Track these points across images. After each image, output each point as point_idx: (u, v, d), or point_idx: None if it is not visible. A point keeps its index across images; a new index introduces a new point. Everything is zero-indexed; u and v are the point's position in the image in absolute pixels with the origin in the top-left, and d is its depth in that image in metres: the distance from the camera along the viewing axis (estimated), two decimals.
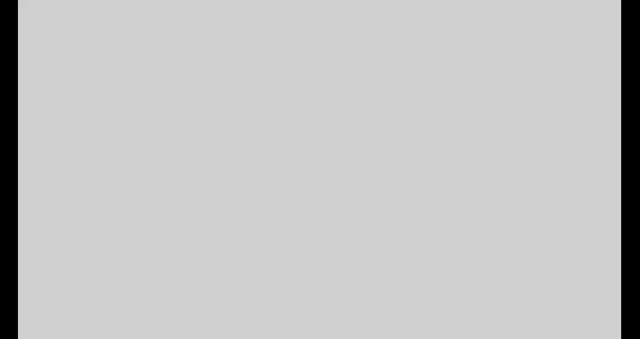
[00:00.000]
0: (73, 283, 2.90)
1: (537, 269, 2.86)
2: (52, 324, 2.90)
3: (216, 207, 2.90)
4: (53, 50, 2.92)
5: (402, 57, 2.91)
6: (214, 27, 2.93)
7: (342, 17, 2.92)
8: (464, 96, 2.89)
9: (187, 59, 2.92)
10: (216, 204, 2.90)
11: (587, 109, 2.87)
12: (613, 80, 2.87)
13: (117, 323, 2.90)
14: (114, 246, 2.90)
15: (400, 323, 2.88)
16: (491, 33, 2.89)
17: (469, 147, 2.88)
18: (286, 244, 2.90)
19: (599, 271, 2.85)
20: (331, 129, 2.91)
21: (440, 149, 2.89)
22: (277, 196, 2.90)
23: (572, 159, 2.86)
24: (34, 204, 2.90)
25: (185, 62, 2.92)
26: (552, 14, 2.89)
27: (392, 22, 2.91)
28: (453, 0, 2.90)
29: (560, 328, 2.86)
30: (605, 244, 2.85)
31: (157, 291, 2.90)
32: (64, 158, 2.90)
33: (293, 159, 2.90)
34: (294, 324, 2.90)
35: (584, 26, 2.88)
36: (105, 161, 2.91)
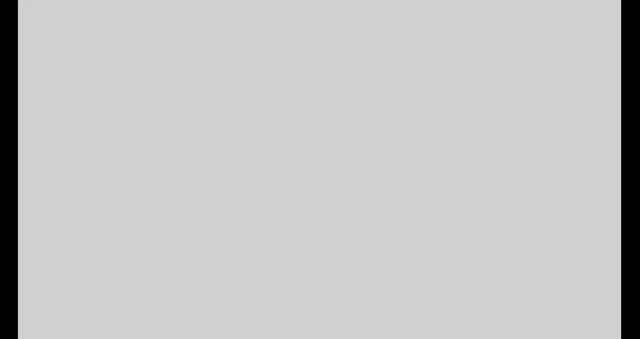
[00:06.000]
0: (73, 283, 2.90)
1: (537, 269, 2.86)
2: (52, 324, 2.90)
3: (217, 207, 2.90)
4: (53, 50, 2.92)
5: (402, 57, 2.91)
6: (214, 27, 2.93)
7: (342, 17, 2.92)
8: (464, 96, 2.89)
9: (188, 59, 2.92)
10: (217, 204, 2.90)
11: (587, 109, 2.87)
12: (613, 80, 2.87)
13: (117, 323, 2.90)
14: (114, 246, 2.90)
15: (400, 323, 2.88)
16: (491, 33, 2.90)
17: (469, 148, 2.88)
18: (286, 245, 2.90)
19: (599, 271, 2.85)
20: (331, 129, 2.91)
21: (440, 149, 2.89)
22: (277, 196, 2.90)
23: (572, 159, 2.86)
24: (34, 204, 2.90)
25: (185, 63, 2.92)
26: (552, 14, 2.89)
27: (392, 22, 2.91)
28: (453, 0, 2.90)
29: (560, 328, 2.86)
30: (605, 244, 2.85)
31: (157, 292, 2.90)
32: (65, 158, 2.90)
33: (293, 160, 2.90)
34: (294, 324, 2.90)
35: (584, 26, 2.88)
36: (105, 161, 2.91)
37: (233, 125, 2.91)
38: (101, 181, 2.90)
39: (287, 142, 2.91)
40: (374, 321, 2.89)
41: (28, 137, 2.90)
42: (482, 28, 2.90)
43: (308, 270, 2.90)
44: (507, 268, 2.87)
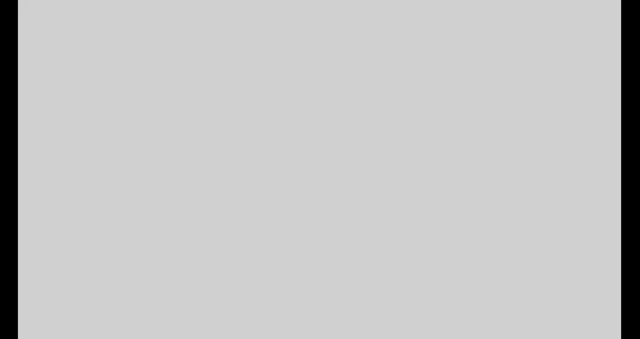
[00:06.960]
0: (73, 283, 2.90)
1: (537, 269, 2.87)
2: (52, 325, 2.90)
3: (216, 207, 2.90)
4: (53, 50, 2.92)
5: (402, 57, 2.91)
6: (214, 27, 2.93)
7: (342, 17, 2.92)
8: (464, 97, 2.89)
9: (188, 59, 2.92)
10: (216, 204, 2.90)
11: (587, 109, 2.87)
12: (613, 80, 2.87)
13: (117, 323, 2.90)
14: (114, 246, 2.90)
15: (400, 323, 2.88)
16: (491, 33, 2.90)
17: (469, 148, 2.88)
18: (286, 245, 2.90)
19: (599, 271, 2.85)
20: (331, 129, 2.91)
21: (440, 149, 2.89)
22: (277, 197, 2.91)
23: (571, 159, 2.86)
24: (34, 204, 2.90)
25: (185, 63, 2.92)
26: (552, 14, 2.89)
27: (392, 23, 2.91)
28: (454, 0, 2.90)
29: (560, 328, 2.86)
30: (605, 244, 2.85)
31: (157, 292, 2.90)
32: (65, 158, 2.90)
33: (293, 160, 2.91)
34: (294, 324, 2.90)
35: (584, 26, 2.88)
36: (105, 161, 2.91)
37: (233, 125, 2.91)
38: (101, 181, 2.91)
39: (287, 143, 2.91)
40: (374, 321, 2.89)
41: (28, 137, 2.91)
42: (482, 28, 2.90)
43: (308, 270, 2.90)
44: (507, 268, 2.87)
